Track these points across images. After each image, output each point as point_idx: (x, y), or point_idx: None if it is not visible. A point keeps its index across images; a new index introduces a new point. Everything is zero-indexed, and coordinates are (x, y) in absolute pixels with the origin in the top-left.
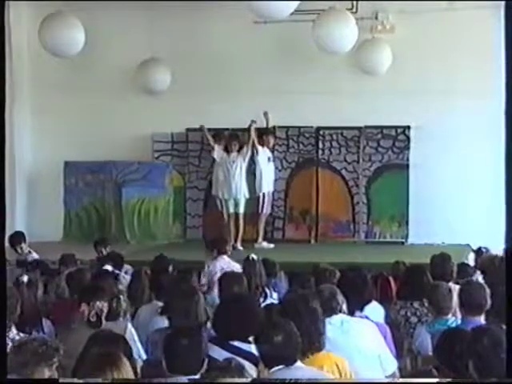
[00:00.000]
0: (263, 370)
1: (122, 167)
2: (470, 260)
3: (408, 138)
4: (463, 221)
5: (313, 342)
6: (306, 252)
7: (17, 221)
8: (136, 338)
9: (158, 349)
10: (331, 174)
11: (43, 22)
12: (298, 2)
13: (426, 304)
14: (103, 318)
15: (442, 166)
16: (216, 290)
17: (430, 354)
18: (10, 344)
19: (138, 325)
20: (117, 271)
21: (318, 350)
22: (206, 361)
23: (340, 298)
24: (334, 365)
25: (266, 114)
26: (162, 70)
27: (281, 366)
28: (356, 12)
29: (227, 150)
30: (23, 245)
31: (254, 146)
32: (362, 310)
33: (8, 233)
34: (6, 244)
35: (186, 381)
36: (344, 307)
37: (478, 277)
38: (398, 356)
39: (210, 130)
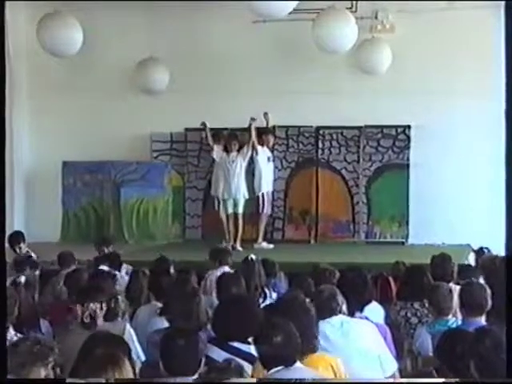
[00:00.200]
0: (260, 370)
1: (121, 167)
2: (471, 260)
3: (408, 138)
4: (464, 221)
5: (307, 343)
6: (306, 252)
7: (15, 221)
8: (135, 338)
9: (157, 350)
10: (331, 174)
11: (41, 22)
12: (297, 2)
13: (427, 304)
14: (98, 319)
15: (442, 165)
16: (214, 292)
17: (431, 354)
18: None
19: (137, 325)
20: (115, 271)
21: (312, 351)
22: (205, 362)
23: (340, 298)
24: (329, 365)
25: (266, 114)
26: (161, 69)
27: (280, 367)
28: (355, 11)
29: (226, 149)
30: (22, 245)
31: (253, 145)
32: (361, 310)
33: (7, 233)
34: (6, 245)
35: (186, 381)
36: (344, 308)
37: (480, 277)
38: (398, 357)
39: (209, 129)
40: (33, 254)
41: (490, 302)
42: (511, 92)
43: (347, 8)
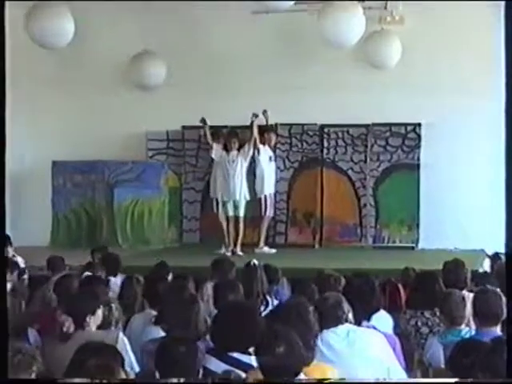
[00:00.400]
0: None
1: (114, 167)
2: (486, 266)
3: (419, 136)
4: (478, 224)
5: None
6: (310, 257)
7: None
8: (128, 348)
9: (151, 360)
10: (337, 175)
11: (30, 12)
12: None
13: (438, 313)
14: (90, 328)
15: (454, 166)
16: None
17: (442, 366)
18: None
19: (131, 334)
20: (111, 276)
21: (311, 360)
22: (203, 373)
23: (346, 306)
24: (325, 375)
25: (265, 112)
26: (157, 63)
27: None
28: (363, 1)
29: (226, 148)
30: (9, 249)
31: (255, 144)
32: (369, 319)
33: None
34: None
35: (186, 381)
36: (350, 316)
37: (495, 285)
38: (408, 369)
39: (208, 127)
40: (20, 259)
41: (505, 311)
42: (511, 92)
43: None
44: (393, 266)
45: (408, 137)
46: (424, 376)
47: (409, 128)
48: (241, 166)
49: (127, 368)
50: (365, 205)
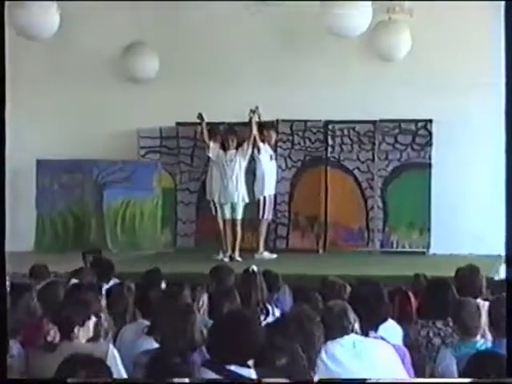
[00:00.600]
0: None
1: (104, 166)
2: (502, 273)
3: (430, 134)
4: (494, 228)
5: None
6: (314, 263)
7: None
8: (119, 361)
9: (144, 373)
10: (342, 175)
11: (13, 2)
12: None
13: (451, 323)
14: (77, 340)
15: (469, 165)
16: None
17: (456, 380)
18: None
19: (121, 346)
20: (102, 283)
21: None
22: None
23: (352, 315)
24: None
25: (256, 109)
26: (149, 55)
27: None
28: None
29: (224, 146)
30: None
31: (255, 142)
32: (376, 329)
33: None
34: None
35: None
36: (356, 326)
37: None
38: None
39: (206, 123)
40: None
41: None
42: (511, 92)
43: None
44: (402, 272)
45: (418, 134)
46: None
47: (419, 125)
48: (239, 166)
49: None
50: (372, 207)
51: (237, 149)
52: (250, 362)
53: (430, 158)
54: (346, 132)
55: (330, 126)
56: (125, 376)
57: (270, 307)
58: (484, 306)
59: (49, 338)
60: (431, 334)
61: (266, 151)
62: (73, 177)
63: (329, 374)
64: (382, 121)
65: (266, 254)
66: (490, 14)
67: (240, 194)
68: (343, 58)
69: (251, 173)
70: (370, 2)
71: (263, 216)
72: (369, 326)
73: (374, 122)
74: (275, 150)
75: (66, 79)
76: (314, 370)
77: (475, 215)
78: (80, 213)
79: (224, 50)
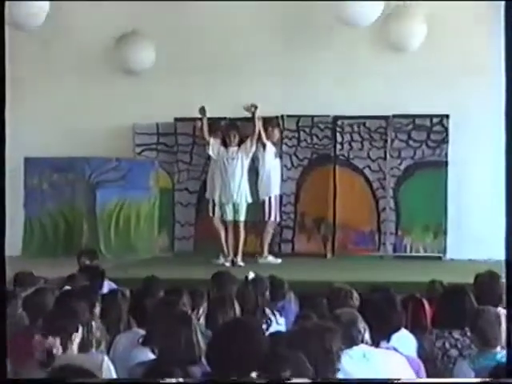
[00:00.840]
0: None
1: (97, 165)
2: None
3: (446, 130)
4: None
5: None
6: (321, 268)
7: None
8: (114, 374)
9: None
10: (351, 174)
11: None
12: None
13: (469, 333)
14: (69, 351)
15: (487, 163)
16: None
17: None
18: None
19: (115, 357)
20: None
21: None
22: None
23: (361, 324)
24: None
25: (252, 106)
26: (145, 45)
27: None
28: None
29: (225, 143)
30: None
31: (260, 138)
32: (388, 339)
33: None
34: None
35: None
36: (367, 336)
37: None
38: None
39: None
40: None
41: None
42: (511, 92)
43: None
44: (416, 278)
45: (434, 130)
46: None
47: (435, 120)
48: (241, 164)
49: None
50: (384, 208)
51: (239, 146)
52: (253, 374)
53: (446, 156)
54: (355, 128)
55: (339, 122)
56: None
57: (274, 316)
58: (505, 314)
59: (40, 357)
60: (447, 345)
61: (270, 149)
62: (63, 176)
63: None
64: (394, 116)
65: (271, 259)
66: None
67: (242, 194)
68: (353, 48)
69: (254, 172)
70: None
71: (269, 218)
72: (380, 336)
73: (386, 118)
74: (280, 148)
75: (55, 71)
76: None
77: (495, 217)
78: (71, 215)
79: (226, 41)
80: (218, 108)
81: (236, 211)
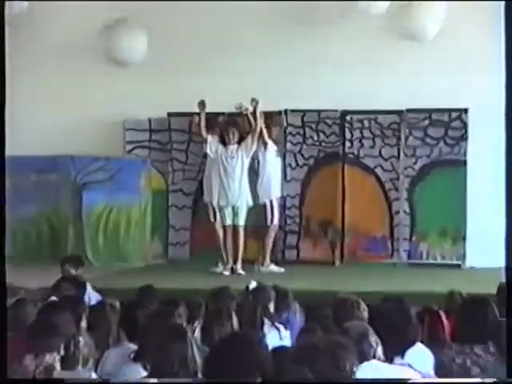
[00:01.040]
0: None
1: (83, 164)
2: None
3: (465, 126)
4: None
5: None
6: (329, 277)
7: None
8: None
9: None
10: (362, 174)
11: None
12: None
13: (492, 349)
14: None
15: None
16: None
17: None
18: None
19: (104, 374)
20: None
21: None
22: None
23: (373, 339)
24: None
25: (253, 101)
26: (136, 33)
27: None
28: None
29: (224, 141)
30: None
31: (262, 136)
32: (403, 355)
33: None
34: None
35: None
36: (379, 352)
37: None
38: None
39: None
40: None
41: None
42: (511, 92)
43: None
44: (433, 288)
45: (452, 126)
46: None
47: (453, 115)
48: (241, 163)
49: None
50: (397, 211)
51: (239, 143)
52: None
53: (465, 155)
54: (366, 124)
55: (348, 117)
56: None
57: (277, 329)
58: None
59: (38, 376)
60: (468, 362)
61: (271, 147)
62: (47, 177)
63: None
64: (409, 111)
65: (273, 267)
66: None
67: (243, 196)
68: (364, 37)
69: (253, 172)
70: None
71: (272, 222)
72: (394, 352)
73: (399, 113)
74: (284, 146)
75: (39, 62)
76: None
77: None
78: (55, 219)
79: (225, 29)
80: (215, 102)
81: (235, 215)
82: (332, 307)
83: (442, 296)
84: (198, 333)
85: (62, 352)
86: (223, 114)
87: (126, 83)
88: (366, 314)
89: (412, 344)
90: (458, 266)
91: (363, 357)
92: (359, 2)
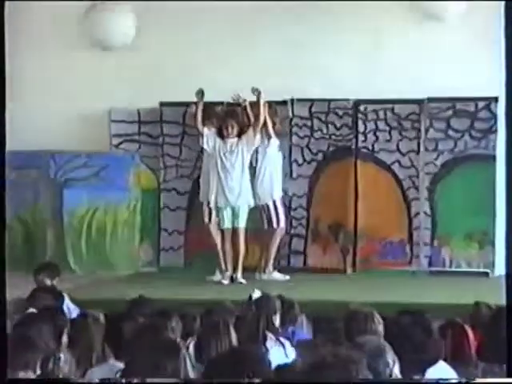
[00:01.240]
0: None
1: (64, 160)
2: None
3: (494, 116)
4: None
5: None
6: (340, 286)
7: None
8: None
9: None
10: (377, 171)
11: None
12: None
13: None
14: None
15: None
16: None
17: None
18: None
19: None
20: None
21: None
22: None
23: (390, 355)
24: None
25: (256, 91)
26: (122, 12)
27: None
28: None
29: (222, 134)
30: None
31: (265, 128)
32: (423, 373)
33: None
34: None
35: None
36: (396, 370)
37: None
38: None
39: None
40: None
41: None
42: (511, 92)
43: None
44: (457, 299)
45: (479, 117)
46: None
47: (480, 104)
48: (242, 159)
49: None
50: (417, 213)
51: (239, 137)
52: None
53: (494, 149)
54: (381, 115)
55: (362, 107)
56: None
57: (281, 345)
58: None
59: None
60: None
61: (274, 141)
62: (23, 174)
63: None
64: (430, 100)
65: (277, 275)
66: None
67: (243, 196)
68: (378, 18)
69: (251, 169)
70: None
71: (278, 225)
72: (413, 370)
73: (419, 102)
74: (290, 139)
75: (14, 45)
76: None
77: None
78: (31, 221)
79: (223, 10)
80: (212, 91)
81: (235, 217)
82: (343, 320)
83: (468, 308)
84: (192, 349)
85: (39, 370)
86: (222, 103)
87: (112, 69)
88: (381, 328)
89: (433, 362)
90: (486, 274)
91: (378, 375)
92: None
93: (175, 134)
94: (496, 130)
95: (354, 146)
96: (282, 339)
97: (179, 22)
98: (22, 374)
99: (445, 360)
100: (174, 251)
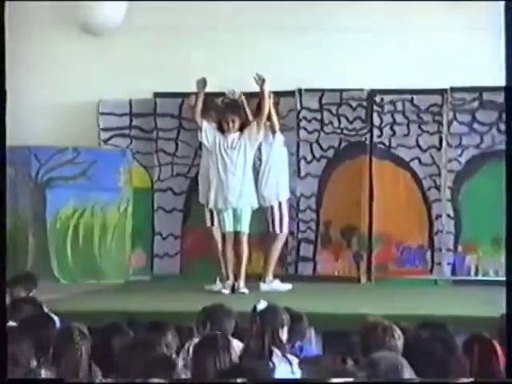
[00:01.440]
0: None
1: (48, 156)
2: None
3: None
4: None
5: None
6: (353, 297)
7: None
8: None
9: None
10: (394, 169)
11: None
12: None
13: None
14: None
15: None
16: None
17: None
18: None
19: None
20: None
21: None
22: None
23: (407, 372)
24: None
25: (260, 79)
26: None
27: None
28: None
29: (222, 128)
30: None
31: (270, 122)
32: None
33: None
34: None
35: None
36: None
37: None
38: None
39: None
40: None
41: None
42: (511, 91)
43: None
44: (483, 312)
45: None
46: None
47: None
48: (244, 156)
49: None
50: (439, 215)
51: (241, 131)
52: None
53: None
54: (399, 106)
55: (377, 98)
56: None
57: (288, 362)
58: None
59: None
60: None
61: (279, 136)
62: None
63: None
64: (453, 89)
65: (277, 284)
66: None
67: (246, 197)
68: (394, 2)
69: (257, 167)
70: None
71: (281, 230)
72: None
73: (441, 92)
74: (297, 134)
75: None
76: None
77: None
78: (13, 225)
79: None
80: (210, 80)
81: (237, 220)
82: (359, 334)
83: (495, 321)
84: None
85: None
86: (223, 94)
87: (102, 56)
88: (400, 343)
89: (457, 379)
90: None
91: None
92: None
93: (171, 127)
94: None
95: (368, 142)
96: (289, 356)
97: (175, 4)
98: None
99: (471, 377)
100: (170, 257)
